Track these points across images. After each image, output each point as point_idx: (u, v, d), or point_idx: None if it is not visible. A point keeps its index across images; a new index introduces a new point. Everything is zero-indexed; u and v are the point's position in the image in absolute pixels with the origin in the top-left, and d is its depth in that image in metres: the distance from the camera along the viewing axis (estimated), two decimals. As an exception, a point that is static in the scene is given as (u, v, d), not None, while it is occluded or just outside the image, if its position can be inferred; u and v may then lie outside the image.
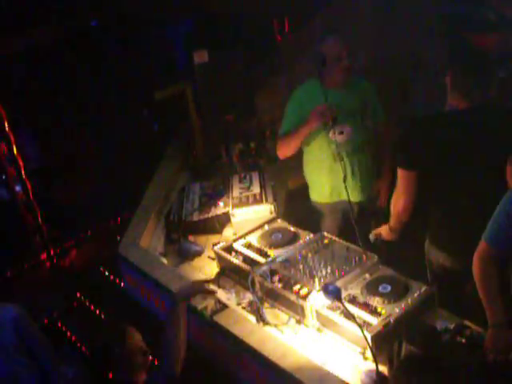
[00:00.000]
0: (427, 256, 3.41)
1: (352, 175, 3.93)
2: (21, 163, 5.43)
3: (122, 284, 4.23)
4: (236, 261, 3.40)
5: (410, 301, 2.83)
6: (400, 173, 3.19)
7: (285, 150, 3.96)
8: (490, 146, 2.96)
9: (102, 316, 4.71)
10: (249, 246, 3.52)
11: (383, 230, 3.52)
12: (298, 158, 4.16)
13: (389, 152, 4.06)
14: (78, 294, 5.00)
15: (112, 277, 4.91)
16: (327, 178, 4.01)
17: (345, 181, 3.62)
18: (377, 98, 4.00)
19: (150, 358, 2.72)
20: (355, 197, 4.00)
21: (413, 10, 5.18)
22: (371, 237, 3.55)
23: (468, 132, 3.00)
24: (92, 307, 4.83)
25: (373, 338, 2.62)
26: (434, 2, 5.25)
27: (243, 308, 3.23)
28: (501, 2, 4.87)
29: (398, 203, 3.28)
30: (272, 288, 3.12)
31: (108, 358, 2.60)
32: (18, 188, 5.60)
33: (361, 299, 2.90)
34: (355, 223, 3.37)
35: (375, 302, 2.86)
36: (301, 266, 3.18)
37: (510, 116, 3.07)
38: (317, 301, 2.91)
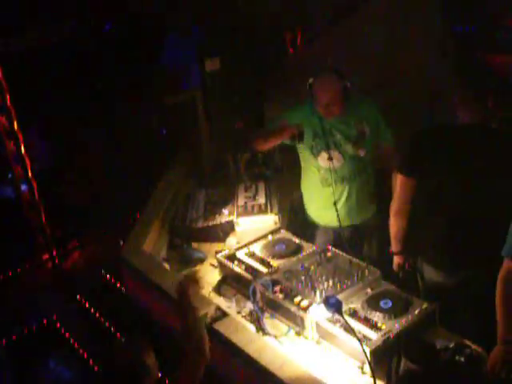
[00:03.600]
0: (420, 273, 3.37)
1: (340, 201, 3.81)
2: (28, 162, 5.43)
3: (124, 288, 4.23)
4: (238, 269, 3.40)
5: (410, 317, 2.82)
6: (398, 178, 3.20)
7: (258, 143, 4.01)
8: (488, 164, 2.95)
9: (106, 323, 4.69)
10: (252, 255, 3.52)
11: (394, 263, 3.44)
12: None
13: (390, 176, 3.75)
14: (79, 297, 4.99)
15: (113, 280, 4.91)
16: (315, 201, 3.95)
17: (335, 204, 3.65)
18: (381, 118, 3.78)
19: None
20: (346, 221, 3.86)
21: (425, 27, 5.17)
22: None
23: (467, 149, 3.00)
24: (92, 310, 4.82)
25: (372, 352, 2.62)
26: (446, 21, 5.24)
27: (243, 317, 3.23)
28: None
29: (392, 207, 3.29)
30: (273, 298, 3.12)
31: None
32: (23, 187, 5.60)
33: (361, 313, 2.90)
34: (347, 247, 3.36)
35: (376, 316, 2.86)
36: (303, 278, 3.18)
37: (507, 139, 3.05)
38: (317, 313, 2.91)
